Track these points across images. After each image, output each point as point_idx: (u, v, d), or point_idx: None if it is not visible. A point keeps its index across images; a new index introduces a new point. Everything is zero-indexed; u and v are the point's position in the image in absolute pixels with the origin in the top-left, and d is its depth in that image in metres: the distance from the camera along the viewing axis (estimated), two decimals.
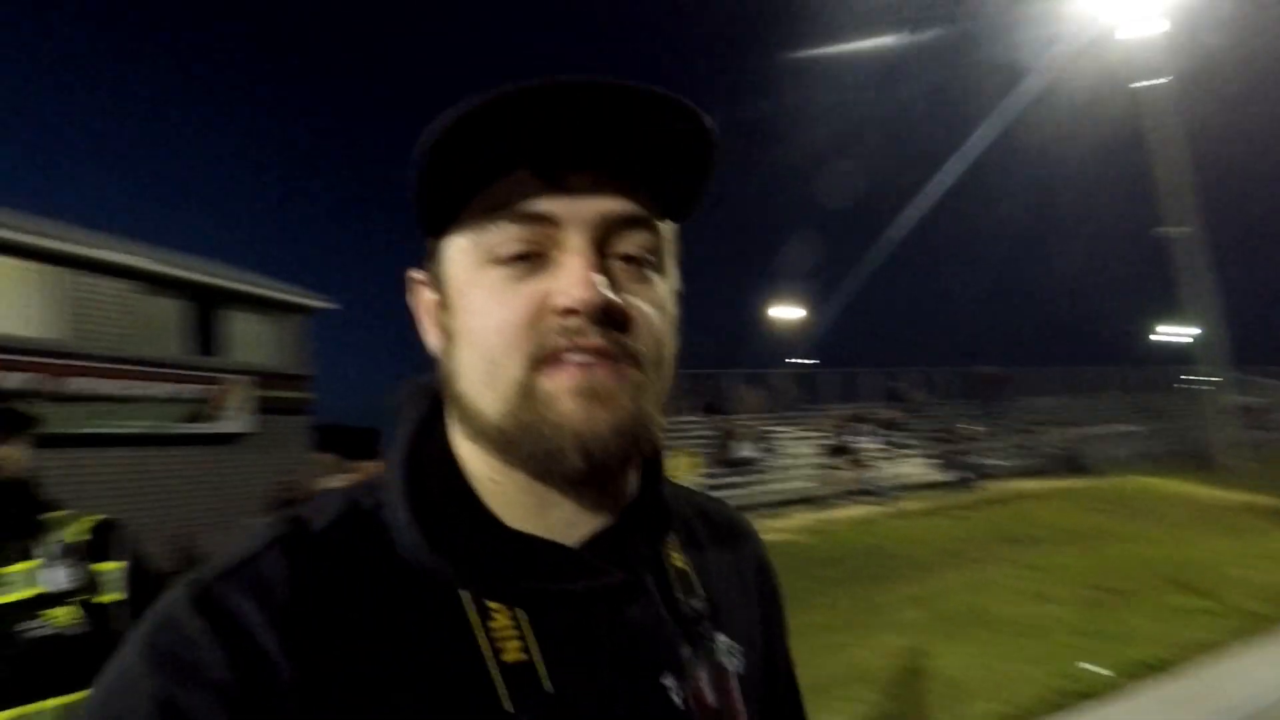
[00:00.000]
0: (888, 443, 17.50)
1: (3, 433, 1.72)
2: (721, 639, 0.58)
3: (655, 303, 0.51)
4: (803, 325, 28.68)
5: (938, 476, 16.54)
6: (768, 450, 16.33)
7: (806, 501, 14.38)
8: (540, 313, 0.48)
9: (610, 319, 0.47)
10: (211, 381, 13.03)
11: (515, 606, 0.49)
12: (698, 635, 0.56)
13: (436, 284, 0.54)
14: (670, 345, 0.53)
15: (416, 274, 0.57)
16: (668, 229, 0.55)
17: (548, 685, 0.47)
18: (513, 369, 0.47)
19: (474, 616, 0.48)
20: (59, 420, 10.45)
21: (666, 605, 0.55)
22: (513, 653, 0.47)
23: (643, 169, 0.50)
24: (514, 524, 0.51)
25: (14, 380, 10.01)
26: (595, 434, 0.47)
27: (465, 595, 0.48)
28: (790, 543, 10.92)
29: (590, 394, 0.47)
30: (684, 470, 14.13)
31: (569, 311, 0.47)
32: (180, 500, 11.67)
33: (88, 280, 11.36)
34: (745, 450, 15.71)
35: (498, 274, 0.49)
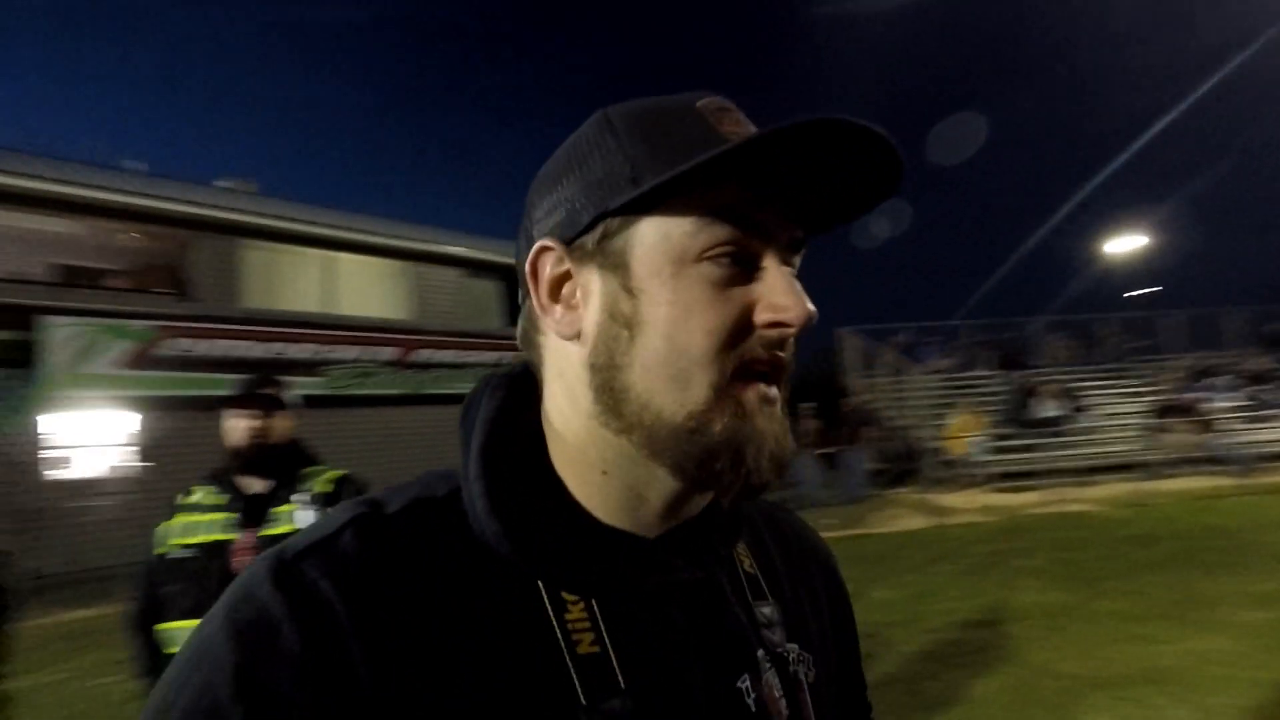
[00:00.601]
0: (1251, 400, 14.05)
1: (274, 409, 2.29)
2: (794, 647, 0.57)
3: None
4: (1137, 258, 23.23)
5: None
6: (1076, 409, 14.21)
7: (1124, 469, 12.29)
8: (747, 322, 0.48)
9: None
10: None
11: (591, 598, 0.49)
12: (771, 641, 0.56)
13: (615, 265, 0.50)
14: None
15: (549, 242, 0.52)
16: None
17: (621, 679, 0.47)
18: (714, 373, 0.47)
19: (550, 607, 0.48)
20: (412, 384, 13.19)
21: (740, 606, 0.56)
22: (586, 645, 0.48)
23: (852, 200, 0.52)
24: (600, 517, 0.52)
25: (383, 353, 12.86)
26: (784, 448, 0.49)
27: (541, 585, 0.48)
28: (1096, 515, 9.49)
29: (773, 410, 0.49)
30: (965, 429, 12.95)
31: (781, 325, 0.48)
32: None
33: (429, 270, 14.06)
34: (1048, 409, 13.86)
35: (707, 273, 0.48)
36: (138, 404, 10.27)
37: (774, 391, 0.49)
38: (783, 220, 0.50)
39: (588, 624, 0.48)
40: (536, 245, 0.53)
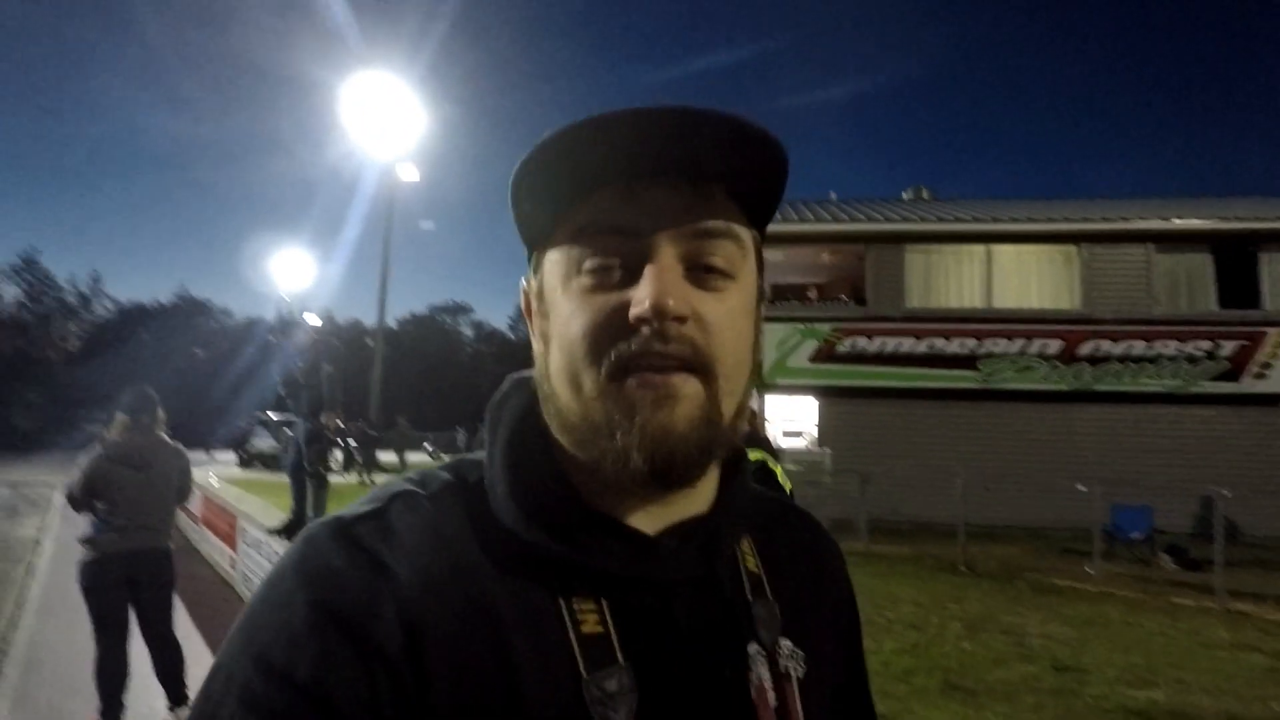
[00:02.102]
0: None
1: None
2: (785, 643, 0.60)
3: (735, 310, 0.54)
4: None
5: None
6: None
7: None
8: (618, 321, 0.50)
9: (684, 327, 0.50)
10: (1248, 337, 11.90)
11: (596, 584, 0.53)
12: (763, 636, 0.58)
13: (538, 293, 0.58)
14: (748, 351, 0.56)
15: (524, 282, 0.62)
16: (750, 240, 0.57)
17: (620, 657, 0.51)
18: (591, 373, 0.51)
19: (559, 588, 0.52)
20: (1079, 379, 11.99)
21: (737, 604, 0.59)
22: (591, 625, 0.51)
23: (721, 183, 0.54)
24: (603, 511, 0.55)
25: (1046, 346, 12.14)
26: (661, 439, 0.49)
27: (552, 567, 0.52)
28: None
29: (657, 402, 0.49)
30: None
31: (641, 320, 0.49)
32: (1210, 464, 11.24)
33: (1102, 250, 12.49)
34: None
35: (582, 284, 0.52)
36: (820, 391, 12.80)
37: (657, 379, 0.49)
38: (669, 213, 0.51)
39: (593, 607, 0.52)
40: (521, 287, 0.63)
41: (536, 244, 0.58)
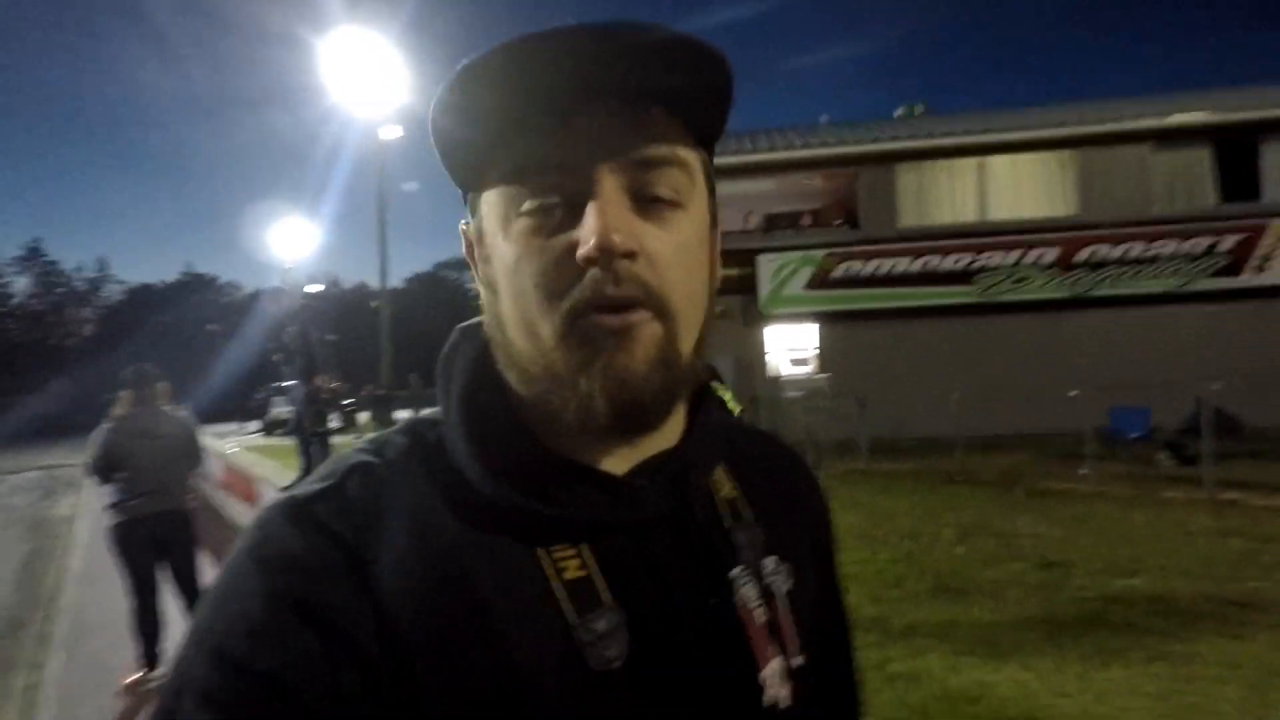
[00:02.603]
0: None
1: None
2: (769, 561, 0.60)
3: (687, 241, 0.51)
4: None
5: None
6: None
7: None
8: (566, 264, 0.48)
9: (634, 264, 0.48)
10: (1249, 230, 11.78)
11: (572, 530, 0.52)
12: (745, 558, 0.58)
13: (478, 237, 0.55)
14: (704, 282, 0.54)
15: (463, 225, 0.58)
16: (698, 163, 0.54)
17: (606, 598, 0.50)
18: (547, 321, 0.49)
19: (535, 539, 0.51)
20: (1077, 286, 11.99)
21: (715, 530, 0.58)
22: (573, 570, 0.51)
23: (660, 105, 0.50)
24: (569, 456, 0.53)
25: (1041, 256, 12.09)
26: (622, 382, 0.48)
27: (525, 520, 0.51)
28: None
29: (616, 342, 0.48)
30: None
31: (588, 261, 0.47)
32: (1210, 361, 11.29)
33: (1097, 154, 12.28)
34: None
35: (525, 226, 0.49)
36: (819, 317, 12.87)
37: (614, 321, 0.48)
38: (606, 143, 0.48)
39: (573, 552, 0.51)
40: (460, 230, 0.59)
41: (470, 185, 0.55)
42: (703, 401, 0.61)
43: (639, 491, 0.54)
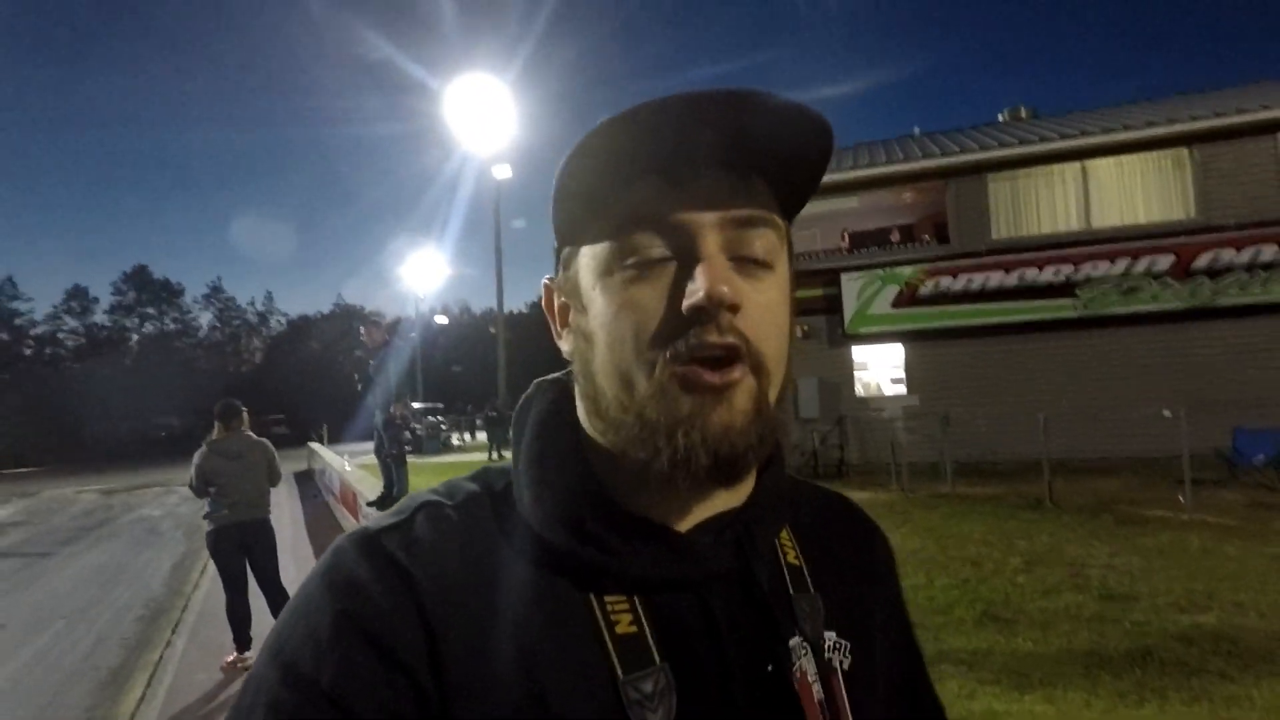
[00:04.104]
0: None
1: None
2: (830, 635, 0.59)
3: (775, 301, 0.53)
4: None
5: None
6: None
7: None
8: (672, 314, 0.49)
9: (737, 319, 0.49)
10: None
11: (628, 584, 0.52)
12: (805, 630, 0.57)
13: (571, 289, 0.56)
14: (787, 339, 0.55)
15: (548, 280, 0.61)
16: (784, 229, 0.56)
17: (657, 656, 0.50)
18: (645, 370, 0.50)
19: (591, 590, 0.51)
20: (1197, 295, 10.97)
21: (776, 597, 0.57)
22: (625, 625, 0.50)
23: (763, 172, 0.53)
24: (634, 509, 0.53)
25: (1154, 263, 11.19)
26: (723, 435, 0.49)
27: (581, 570, 0.52)
28: None
29: (717, 396, 0.49)
30: None
31: (699, 310, 0.48)
32: None
33: (1219, 150, 11.24)
34: None
35: (626, 276, 0.51)
36: (906, 336, 12.52)
37: (714, 377, 0.49)
38: (711, 202, 0.50)
39: (626, 607, 0.51)
40: (543, 285, 0.62)
41: (570, 240, 0.57)
42: (771, 461, 0.60)
43: (699, 548, 0.53)
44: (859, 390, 13.08)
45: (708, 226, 0.50)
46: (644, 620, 0.51)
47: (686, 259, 0.50)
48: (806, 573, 0.61)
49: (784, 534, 0.61)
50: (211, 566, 5.36)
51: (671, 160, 0.50)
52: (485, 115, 20.34)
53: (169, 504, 15.45)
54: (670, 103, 0.48)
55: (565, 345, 0.58)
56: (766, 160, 0.52)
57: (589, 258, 0.54)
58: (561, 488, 0.54)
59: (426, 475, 14.68)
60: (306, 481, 17.17)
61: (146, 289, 66.60)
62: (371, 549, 0.51)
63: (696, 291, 0.48)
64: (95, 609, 7.14)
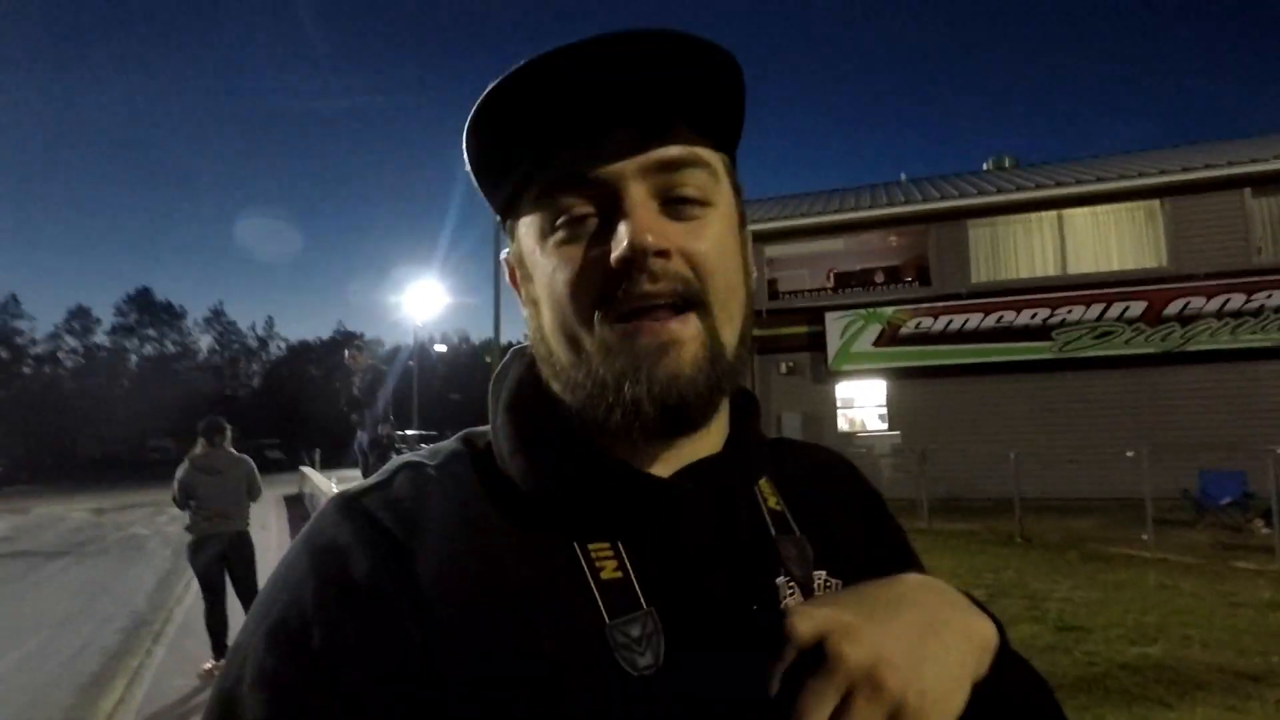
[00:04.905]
0: None
1: None
2: (820, 574, 0.58)
3: (718, 240, 0.52)
4: None
5: None
6: None
7: None
8: (602, 270, 0.49)
9: (669, 262, 0.49)
10: None
11: (611, 530, 0.52)
12: (792, 571, 0.57)
13: (518, 259, 0.57)
14: (740, 275, 0.55)
15: (505, 255, 0.61)
16: (720, 163, 0.55)
17: (642, 600, 0.50)
18: (587, 328, 0.50)
19: (574, 538, 0.51)
20: (1167, 341, 11.30)
21: (761, 540, 0.57)
22: (610, 571, 0.50)
23: (679, 110, 0.52)
24: (614, 458, 0.54)
25: (1127, 309, 11.53)
26: (670, 384, 0.49)
27: (564, 518, 0.52)
28: None
29: (661, 348, 0.49)
30: None
31: (626, 262, 0.48)
32: None
33: (1187, 202, 11.68)
34: None
35: (558, 239, 0.51)
36: (888, 374, 12.81)
37: (656, 325, 0.49)
38: (625, 152, 0.50)
39: (610, 553, 0.51)
40: (503, 260, 0.62)
41: (507, 212, 0.57)
42: (745, 413, 0.61)
43: (680, 493, 0.53)
44: (842, 425, 13.31)
45: (629, 176, 0.50)
46: (629, 565, 0.51)
47: (611, 213, 0.50)
48: (790, 517, 0.61)
49: (763, 481, 0.62)
50: (194, 582, 5.56)
51: (576, 117, 0.50)
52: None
53: (158, 523, 15.49)
54: (562, 55, 0.47)
55: (525, 314, 0.59)
56: (682, 98, 0.51)
57: (525, 226, 0.55)
58: (541, 440, 0.55)
59: None
60: (296, 505, 17.24)
61: (149, 311, 67.23)
62: (352, 510, 0.51)
63: (620, 241, 0.48)
64: (79, 619, 7.26)
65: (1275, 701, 4.07)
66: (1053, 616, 5.73)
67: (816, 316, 13.24)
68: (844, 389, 13.46)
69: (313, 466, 20.34)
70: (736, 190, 0.57)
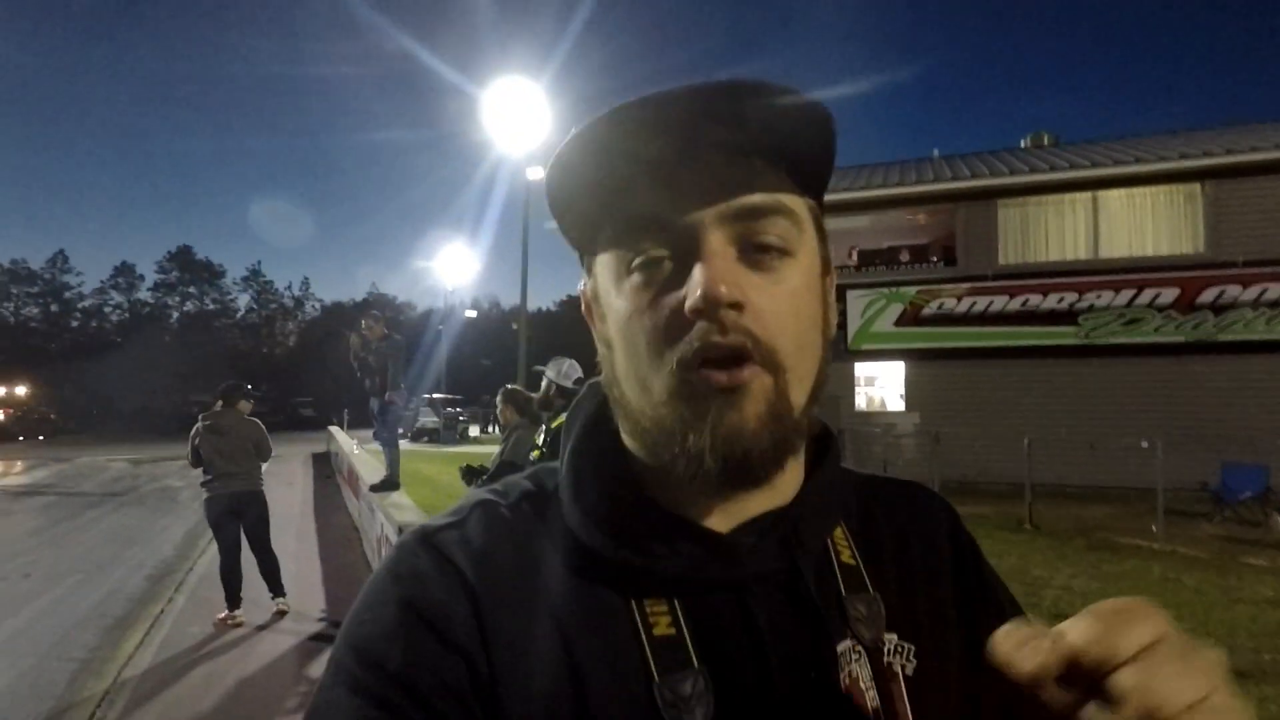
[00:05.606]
0: None
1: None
2: (890, 638, 0.56)
3: (793, 296, 0.51)
4: None
5: None
6: None
7: None
8: (676, 318, 0.49)
9: (740, 316, 0.48)
10: None
11: (667, 585, 0.52)
12: (860, 632, 0.55)
13: (594, 296, 0.58)
14: (815, 329, 0.54)
15: (581, 288, 0.61)
16: (805, 210, 0.54)
17: (695, 660, 0.50)
18: (657, 375, 0.50)
19: (630, 591, 0.52)
20: (1199, 330, 10.99)
21: (826, 600, 0.55)
22: (663, 627, 0.51)
23: (761, 156, 0.52)
24: (674, 510, 0.53)
25: (1158, 296, 11.22)
26: (733, 438, 0.48)
27: (620, 571, 0.52)
28: None
29: (727, 398, 0.48)
30: None
31: (698, 312, 0.47)
32: None
33: (1230, 186, 11.24)
34: None
35: (634, 282, 0.52)
36: (907, 354, 12.67)
37: (722, 378, 0.48)
38: (708, 197, 0.50)
39: (665, 609, 0.51)
40: (580, 293, 0.62)
41: (584, 247, 0.58)
42: (824, 457, 0.59)
43: (740, 549, 0.53)
44: (861, 404, 13.26)
45: (709, 222, 0.49)
46: (683, 623, 0.51)
47: (688, 258, 0.49)
48: (865, 573, 0.58)
49: (839, 532, 0.59)
50: None
51: (665, 157, 0.50)
52: (520, 117, 20.83)
53: (192, 476, 15.89)
54: (652, 101, 0.48)
55: (600, 351, 0.59)
56: (768, 145, 0.51)
57: (603, 264, 0.55)
58: (597, 489, 0.55)
59: (438, 463, 15.21)
60: (324, 463, 17.76)
61: (189, 269, 68.75)
62: (429, 544, 0.54)
63: (694, 291, 0.47)
64: (110, 566, 7.71)
65: (1260, 699, 4.06)
66: (1047, 604, 5.72)
67: (838, 294, 13.03)
68: (863, 368, 13.36)
69: (341, 427, 20.85)
70: (822, 237, 0.57)
